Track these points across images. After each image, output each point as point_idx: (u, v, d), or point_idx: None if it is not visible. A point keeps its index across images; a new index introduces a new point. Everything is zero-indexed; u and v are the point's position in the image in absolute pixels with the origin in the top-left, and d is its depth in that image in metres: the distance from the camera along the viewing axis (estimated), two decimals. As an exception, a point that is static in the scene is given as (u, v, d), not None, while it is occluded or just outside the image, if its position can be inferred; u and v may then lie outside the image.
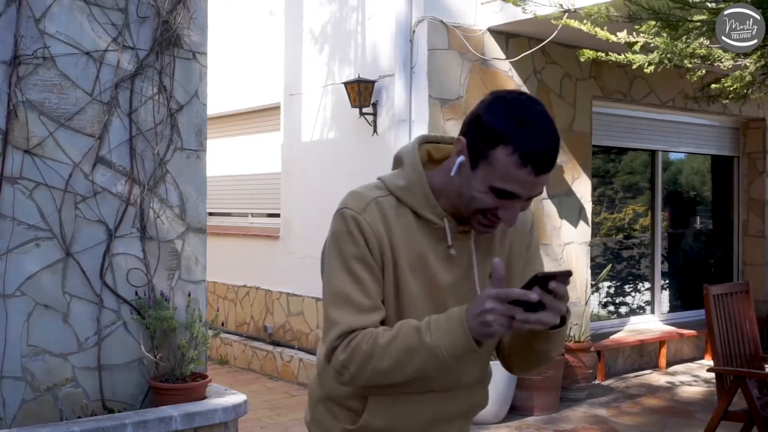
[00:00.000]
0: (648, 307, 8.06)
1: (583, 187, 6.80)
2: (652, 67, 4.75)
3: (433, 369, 1.50)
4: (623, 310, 7.93)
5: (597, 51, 5.14)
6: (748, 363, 4.65)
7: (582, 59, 5.26)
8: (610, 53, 5.02)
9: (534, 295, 1.40)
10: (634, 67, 4.86)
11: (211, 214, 7.11)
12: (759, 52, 4.74)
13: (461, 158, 1.52)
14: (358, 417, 1.65)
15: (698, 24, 4.36)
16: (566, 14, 4.94)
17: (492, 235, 1.66)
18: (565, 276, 1.45)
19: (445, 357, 1.46)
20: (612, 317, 7.77)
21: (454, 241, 1.60)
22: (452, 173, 1.54)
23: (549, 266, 6.39)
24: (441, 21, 5.89)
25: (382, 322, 1.57)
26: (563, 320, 1.52)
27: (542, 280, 1.42)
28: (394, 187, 1.61)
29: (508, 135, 1.45)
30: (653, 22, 4.41)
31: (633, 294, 8.08)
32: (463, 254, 1.61)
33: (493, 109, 1.50)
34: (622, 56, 4.91)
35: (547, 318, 1.42)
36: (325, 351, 1.57)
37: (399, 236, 1.57)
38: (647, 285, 8.07)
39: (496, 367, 1.80)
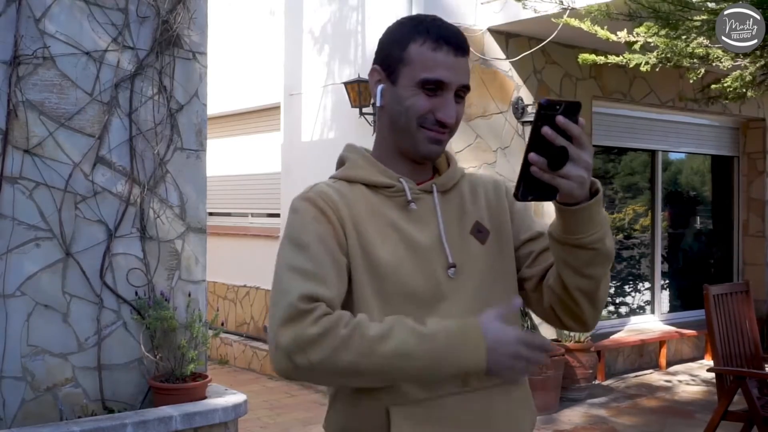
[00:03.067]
0: (648, 307, 8.06)
1: (583, 187, 6.79)
2: (648, 66, 4.75)
3: (425, 378, 1.36)
4: (623, 310, 7.93)
5: (597, 52, 5.14)
6: (748, 363, 4.65)
7: (581, 62, 5.27)
8: (609, 56, 5.02)
9: (562, 140, 1.24)
10: (631, 65, 4.86)
11: (211, 214, 7.12)
12: (759, 52, 4.74)
13: (381, 86, 1.50)
14: None
15: (698, 24, 4.36)
16: (567, 12, 4.95)
17: (460, 195, 1.56)
18: (573, 107, 1.25)
19: (447, 369, 1.32)
20: (612, 317, 7.77)
21: (416, 200, 1.50)
22: (378, 103, 1.51)
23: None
24: (441, 21, 5.89)
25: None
26: (594, 192, 1.34)
27: (547, 113, 1.24)
28: (340, 173, 1.56)
29: (414, 32, 1.46)
30: (652, 23, 4.41)
31: (633, 294, 8.08)
32: (430, 213, 1.51)
33: (390, 29, 1.52)
34: (621, 57, 4.91)
35: (574, 171, 1.27)
36: (281, 320, 1.31)
37: (360, 210, 1.47)
38: (647, 285, 8.07)
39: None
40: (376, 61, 1.53)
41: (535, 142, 1.25)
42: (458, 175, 1.58)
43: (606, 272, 1.44)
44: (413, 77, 1.45)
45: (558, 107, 1.24)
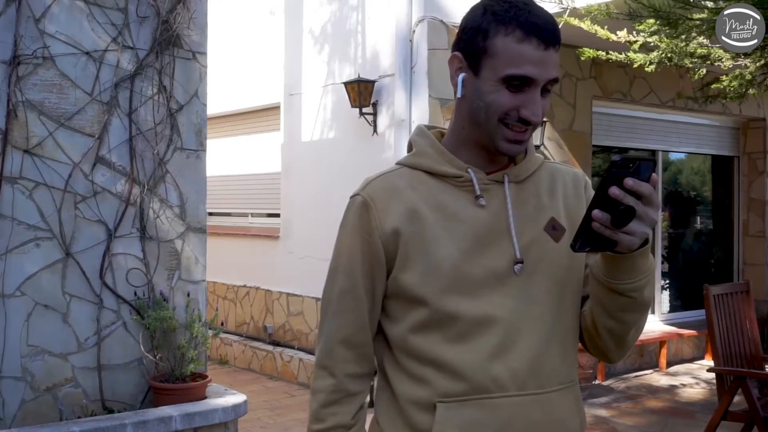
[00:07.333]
0: (648, 307, 8.06)
1: (583, 187, 6.79)
2: (653, 66, 4.75)
3: None
4: (623, 310, 7.92)
5: (597, 50, 5.14)
6: (749, 363, 4.64)
7: (582, 58, 5.26)
8: (610, 52, 5.02)
9: (630, 199, 1.18)
10: (635, 66, 4.86)
11: (211, 214, 7.11)
12: (759, 52, 4.74)
13: (462, 74, 1.38)
14: None
15: (698, 23, 4.36)
16: (567, 12, 4.94)
17: (537, 186, 1.45)
18: (646, 166, 1.20)
19: None
20: (612, 317, 7.76)
21: (485, 192, 1.39)
22: (458, 95, 1.39)
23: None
24: (441, 21, 5.89)
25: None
26: (645, 240, 1.26)
27: (618, 172, 1.19)
28: (404, 159, 1.48)
29: (501, 19, 1.32)
30: (653, 20, 4.41)
31: (633, 294, 8.07)
32: (500, 206, 1.40)
33: (474, 12, 1.38)
34: (623, 55, 4.91)
35: (639, 228, 1.21)
36: (317, 361, 1.49)
37: (417, 200, 1.40)
38: (647, 285, 8.06)
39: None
40: (456, 46, 1.39)
41: (601, 199, 1.21)
42: (535, 164, 1.47)
43: (640, 319, 1.38)
44: (497, 71, 1.32)
45: (631, 165, 1.19)
